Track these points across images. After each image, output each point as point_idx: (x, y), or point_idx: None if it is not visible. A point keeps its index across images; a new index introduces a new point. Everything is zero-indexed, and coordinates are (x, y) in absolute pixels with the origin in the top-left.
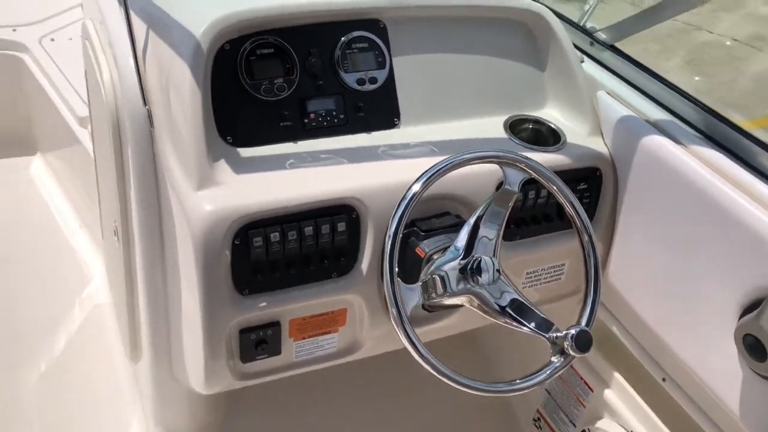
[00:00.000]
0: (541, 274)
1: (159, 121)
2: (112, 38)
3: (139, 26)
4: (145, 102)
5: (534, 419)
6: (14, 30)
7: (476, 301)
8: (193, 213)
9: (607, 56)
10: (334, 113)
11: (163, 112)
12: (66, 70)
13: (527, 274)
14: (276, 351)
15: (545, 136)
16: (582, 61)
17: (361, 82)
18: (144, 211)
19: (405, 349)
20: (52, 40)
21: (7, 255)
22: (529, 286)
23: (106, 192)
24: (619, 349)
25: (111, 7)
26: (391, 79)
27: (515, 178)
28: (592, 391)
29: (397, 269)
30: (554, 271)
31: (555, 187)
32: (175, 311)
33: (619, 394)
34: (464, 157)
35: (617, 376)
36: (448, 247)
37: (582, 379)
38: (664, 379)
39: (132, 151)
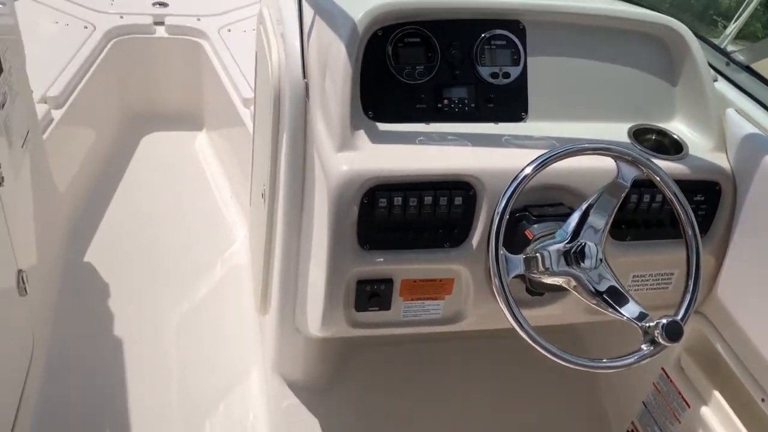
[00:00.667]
0: (648, 280)
1: (313, 93)
2: (284, 22)
3: (307, 12)
4: (304, 76)
5: (628, 431)
6: (198, 19)
7: (574, 283)
8: (332, 170)
9: (743, 77)
10: (465, 101)
11: (317, 85)
12: (237, 57)
13: (634, 277)
14: (386, 306)
15: (667, 147)
16: (715, 80)
17: (494, 75)
18: (291, 171)
19: (504, 354)
20: (229, 30)
21: (167, 212)
22: (634, 290)
23: (260, 160)
24: (720, 366)
25: None
26: (523, 76)
27: (628, 173)
28: (689, 406)
29: (503, 247)
30: (662, 279)
31: (664, 186)
32: (303, 265)
33: (715, 411)
34: (578, 146)
35: (716, 393)
36: (555, 233)
37: (680, 393)
38: (763, 400)
39: (288, 119)
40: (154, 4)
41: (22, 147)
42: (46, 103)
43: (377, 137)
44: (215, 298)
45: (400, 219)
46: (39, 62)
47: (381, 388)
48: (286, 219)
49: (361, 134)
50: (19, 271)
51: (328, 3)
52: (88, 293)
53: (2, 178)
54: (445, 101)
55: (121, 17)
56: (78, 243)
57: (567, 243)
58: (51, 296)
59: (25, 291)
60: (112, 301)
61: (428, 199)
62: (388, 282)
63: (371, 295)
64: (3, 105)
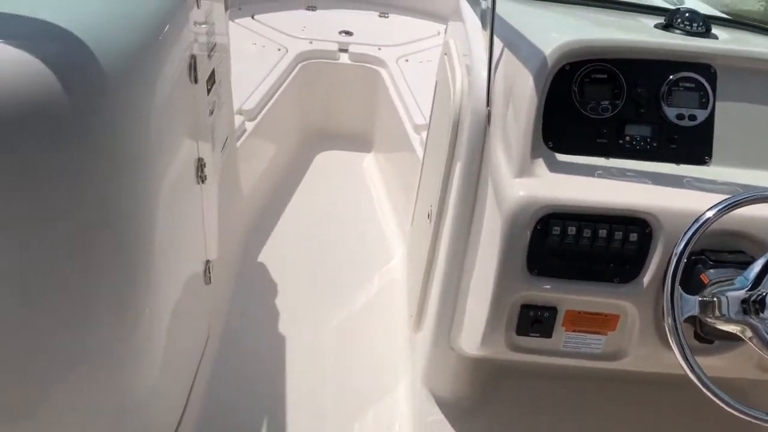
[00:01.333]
0: None
1: (495, 121)
2: (471, 53)
3: (497, 44)
4: (488, 104)
5: None
6: (379, 49)
7: (750, 333)
8: (508, 195)
9: None
10: (648, 140)
11: (500, 114)
12: (412, 86)
13: None
14: (548, 333)
15: None
16: None
17: (680, 117)
18: (463, 193)
19: (662, 401)
20: (406, 60)
21: (333, 224)
22: None
23: (429, 182)
24: None
25: (474, 29)
26: (710, 119)
27: None
28: None
29: (679, 287)
30: None
31: None
32: (465, 284)
33: None
34: (764, 194)
35: None
36: (734, 280)
37: None
38: None
39: (466, 143)
40: (340, 33)
41: (221, 151)
42: (241, 114)
43: (556, 167)
44: (371, 309)
45: (571, 249)
46: (238, 78)
47: (528, 417)
48: (452, 239)
49: (540, 163)
50: (207, 261)
51: (518, 37)
52: (260, 290)
53: (205, 176)
54: (627, 138)
55: (311, 42)
56: (254, 243)
57: (747, 290)
58: (228, 289)
59: (210, 280)
60: (279, 300)
61: (603, 232)
62: (552, 310)
63: (534, 320)
64: (212, 112)
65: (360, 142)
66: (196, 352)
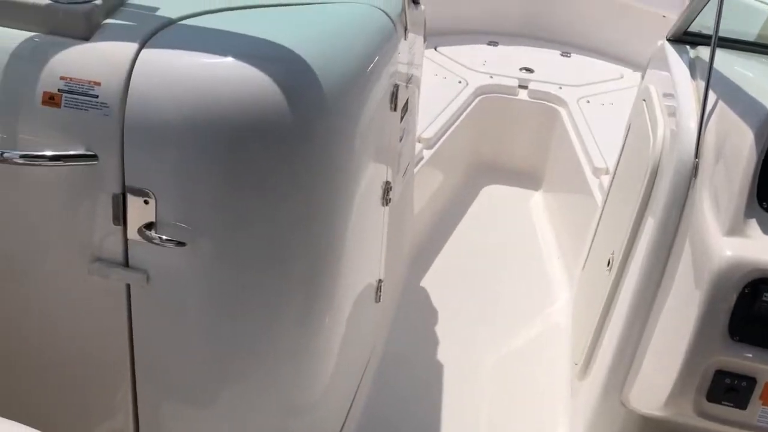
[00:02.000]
0: None
1: (703, 173)
2: (678, 100)
3: (711, 94)
4: (696, 155)
5: None
6: (560, 88)
7: None
8: (715, 254)
9: None
10: None
11: (709, 166)
12: (593, 128)
13: None
14: (742, 405)
15: None
16: None
17: None
18: (656, 245)
19: None
20: (588, 102)
21: (496, 258)
22: None
23: (611, 228)
24: None
25: (682, 77)
26: None
27: None
28: None
29: None
30: None
31: None
32: (647, 338)
33: None
34: None
35: None
36: None
37: None
38: None
39: (666, 194)
40: (521, 69)
41: (403, 176)
42: (420, 142)
43: None
44: (531, 350)
45: None
46: (420, 107)
47: None
48: (638, 291)
49: (753, 223)
50: (379, 280)
51: (735, 89)
52: (421, 315)
53: (389, 199)
54: None
55: (491, 77)
56: (418, 268)
57: None
58: (392, 309)
59: (379, 299)
60: (439, 327)
61: None
62: (751, 380)
63: (728, 388)
64: (401, 139)
65: (529, 180)
66: (361, 367)
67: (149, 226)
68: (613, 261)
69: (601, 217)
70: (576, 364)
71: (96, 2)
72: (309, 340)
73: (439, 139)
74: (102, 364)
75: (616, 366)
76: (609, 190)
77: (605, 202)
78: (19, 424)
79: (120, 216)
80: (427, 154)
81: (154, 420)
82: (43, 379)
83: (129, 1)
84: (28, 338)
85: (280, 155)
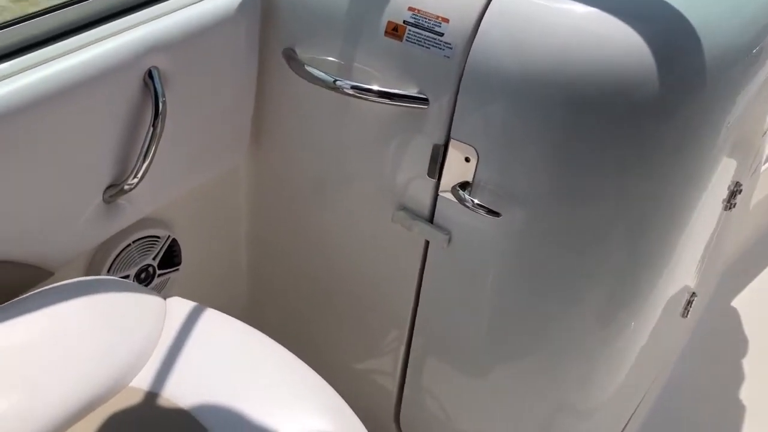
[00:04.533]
0: None
1: None
2: None
3: None
4: None
5: None
6: None
7: None
8: None
9: None
10: None
11: None
12: None
13: None
14: None
15: None
16: None
17: None
18: None
19: None
20: None
21: None
22: None
23: None
24: None
25: None
26: None
27: None
28: None
29: None
30: None
31: None
32: None
33: None
34: None
35: None
36: None
37: None
38: None
39: None
40: None
41: (751, 176)
42: None
43: None
44: None
45: None
46: None
47: None
48: None
49: None
50: (693, 293)
51: None
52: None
53: (735, 203)
54: None
55: None
56: (732, 282)
57: None
58: (692, 327)
59: (687, 314)
60: (747, 359)
61: None
62: None
63: None
64: (766, 132)
65: None
66: (646, 386)
67: (464, 185)
68: None
69: None
70: None
71: None
72: (606, 341)
73: None
74: (385, 305)
75: None
76: None
77: None
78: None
79: (436, 169)
80: None
81: (419, 374)
82: (325, 306)
83: None
84: (323, 265)
85: (633, 132)
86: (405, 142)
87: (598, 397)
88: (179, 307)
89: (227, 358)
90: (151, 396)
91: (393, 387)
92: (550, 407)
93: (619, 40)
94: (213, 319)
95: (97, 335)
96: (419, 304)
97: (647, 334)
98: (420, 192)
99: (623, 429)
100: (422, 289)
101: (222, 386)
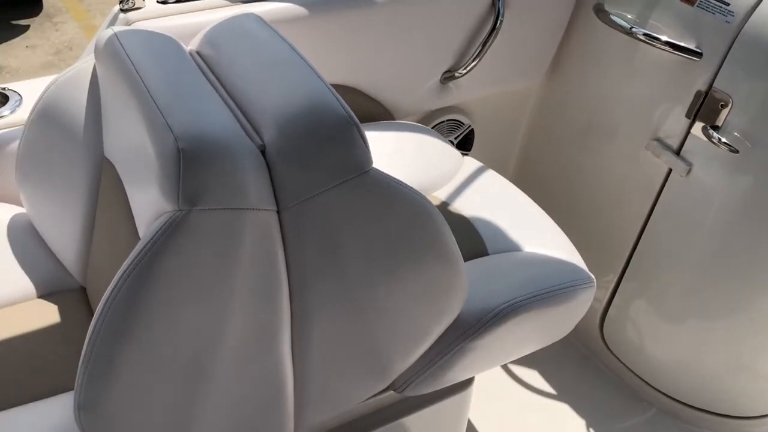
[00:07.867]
0: None
1: None
2: None
3: None
4: None
5: None
6: None
7: None
8: None
9: None
10: None
11: None
12: None
13: None
14: None
15: None
16: None
17: None
18: None
19: None
20: None
21: None
22: None
23: None
24: None
25: None
26: None
27: None
28: None
29: None
30: None
31: None
32: None
33: None
34: None
35: None
36: None
37: None
38: None
39: None
40: None
41: None
42: None
43: None
44: None
45: None
46: None
47: None
48: None
49: None
50: None
51: None
52: None
53: None
54: None
55: None
56: None
57: None
58: None
59: None
60: None
61: None
62: None
63: None
64: None
65: None
66: None
67: (714, 127)
68: None
69: None
70: None
71: None
72: None
73: None
74: (620, 220)
75: None
76: None
77: None
78: None
79: (693, 112)
80: None
81: (627, 300)
82: (571, 213)
83: None
84: (578, 177)
85: None
86: (673, 87)
87: None
88: (472, 162)
89: (503, 202)
90: (444, 204)
91: (603, 298)
92: (746, 356)
93: None
94: (494, 176)
95: (425, 151)
96: (647, 224)
97: None
98: (674, 128)
99: None
100: (654, 211)
101: (494, 214)
